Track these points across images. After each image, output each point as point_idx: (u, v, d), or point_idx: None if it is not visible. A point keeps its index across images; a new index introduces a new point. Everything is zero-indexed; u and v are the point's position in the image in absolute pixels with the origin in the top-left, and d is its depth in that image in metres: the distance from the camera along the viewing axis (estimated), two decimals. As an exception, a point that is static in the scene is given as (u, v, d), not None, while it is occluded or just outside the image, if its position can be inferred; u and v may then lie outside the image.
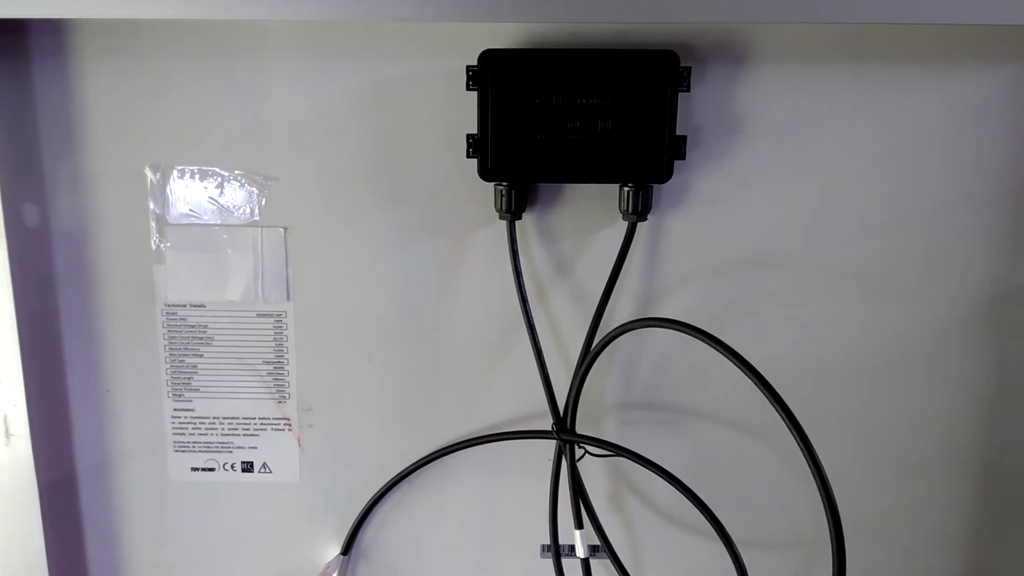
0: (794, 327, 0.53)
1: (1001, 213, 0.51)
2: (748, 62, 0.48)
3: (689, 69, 0.46)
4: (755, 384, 0.40)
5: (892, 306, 0.52)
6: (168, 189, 0.52)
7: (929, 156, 0.50)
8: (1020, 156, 0.49)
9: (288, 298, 0.53)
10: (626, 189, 0.48)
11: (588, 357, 0.50)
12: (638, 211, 0.48)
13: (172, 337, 0.54)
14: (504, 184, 0.48)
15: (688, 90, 0.47)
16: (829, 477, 0.39)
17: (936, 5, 0.42)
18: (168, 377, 0.55)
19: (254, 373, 0.55)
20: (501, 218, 0.49)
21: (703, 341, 0.42)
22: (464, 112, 0.47)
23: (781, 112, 0.49)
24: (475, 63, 0.46)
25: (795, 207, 0.51)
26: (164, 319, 0.54)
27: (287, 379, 0.55)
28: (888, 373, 0.54)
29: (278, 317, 0.54)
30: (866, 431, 0.55)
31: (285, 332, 0.54)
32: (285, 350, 0.54)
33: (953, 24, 0.44)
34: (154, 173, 0.51)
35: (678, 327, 0.44)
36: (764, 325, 0.53)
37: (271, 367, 0.54)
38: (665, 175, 0.47)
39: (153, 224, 0.52)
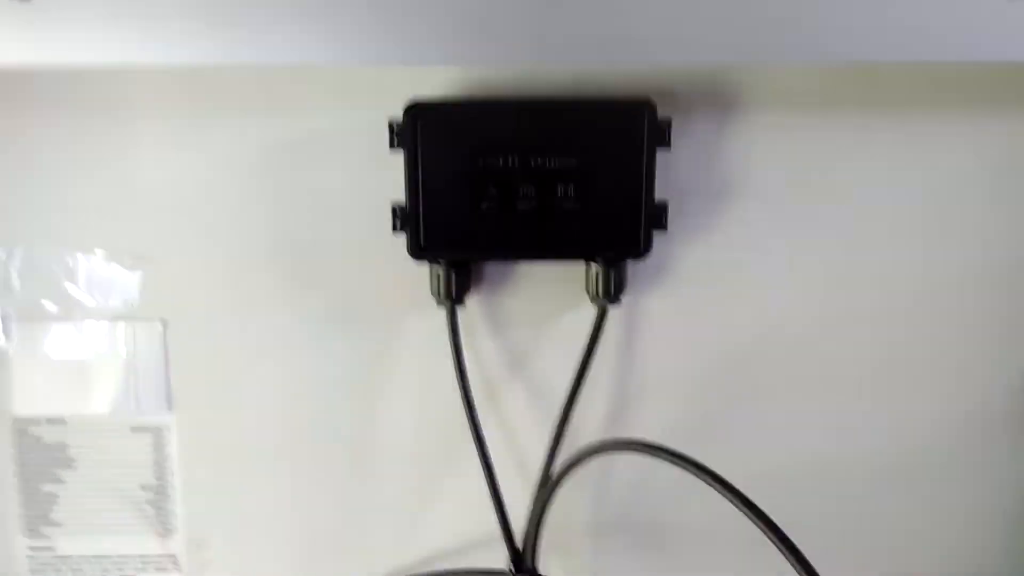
0: (798, 427, 0.48)
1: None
2: (740, 112, 0.44)
3: (670, 122, 0.41)
4: (742, 511, 0.34)
5: (914, 400, 0.48)
6: (12, 275, 0.46)
7: (958, 221, 0.45)
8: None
9: (170, 408, 0.48)
10: (594, 267, 0.43)
11: (550, 484, 0.43)
12: (609, 293, 0.43)
13: (24, 460, 0.49)
14: (441, 264, 0.42)
15: (669, 147, 0.41)
16: None
17: (965, 40, 0.37)
18: (21, 509, 0.49)
19: (129, 501, 0.49)
20: (439, 304, 0.43)
21: (679, 465, 0.37)
22: (388, 175, 0.42)
23: (780, 171, 0.45)
24: (400, 116, 0.40)
25: (798, 284, 0.47)
26: (13, 438, 0.48)
27: (171, 508, 0.49)
28: (909, 481, 0.49)
29: (158, 432, 0.48)
30: (883, 547, 0.50)
31: (167, 450, 0.48)
32: (168, 472, 0.49)
33: (988, 62, 0.39)
34: (-7, 255, 0.45)
35: (650, 451, 0.39)
36: (763, 426, 0.48)
37: (151, 494, 0.49)
38: (642, 249, 0.42)
39: (-6, 319, 0.46)
